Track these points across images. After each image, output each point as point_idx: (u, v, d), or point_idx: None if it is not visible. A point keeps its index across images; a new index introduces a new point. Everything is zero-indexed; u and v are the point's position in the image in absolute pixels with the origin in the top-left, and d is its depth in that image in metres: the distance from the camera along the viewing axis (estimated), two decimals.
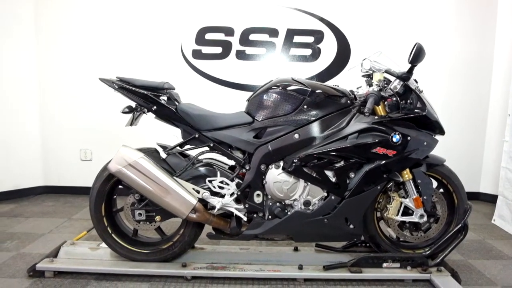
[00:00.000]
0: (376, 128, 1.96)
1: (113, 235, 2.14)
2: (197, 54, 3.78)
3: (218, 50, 3.78)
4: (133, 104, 2.06)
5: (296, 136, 1.99)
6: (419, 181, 2.12)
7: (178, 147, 2.12)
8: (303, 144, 2.00)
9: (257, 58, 3.80)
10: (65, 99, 3.80)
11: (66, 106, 3.81)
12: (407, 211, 2.18)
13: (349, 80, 3.42)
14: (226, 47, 3.77)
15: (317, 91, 2.01)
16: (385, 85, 2.03)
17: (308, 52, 3.80)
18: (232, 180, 2.06)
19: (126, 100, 2.05)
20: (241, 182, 2.07)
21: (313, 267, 2.16)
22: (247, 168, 2.06)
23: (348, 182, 2.02)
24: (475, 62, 3.84)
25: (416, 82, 2.09)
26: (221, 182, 2.05)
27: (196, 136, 2.06)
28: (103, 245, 2.24)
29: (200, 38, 3.77)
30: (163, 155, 2.08)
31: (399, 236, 2.26)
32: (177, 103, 2.09)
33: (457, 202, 2.26)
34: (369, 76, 2.25)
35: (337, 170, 1.99)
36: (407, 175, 2.10)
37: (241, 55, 3.78)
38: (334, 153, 1.95)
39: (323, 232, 2.10)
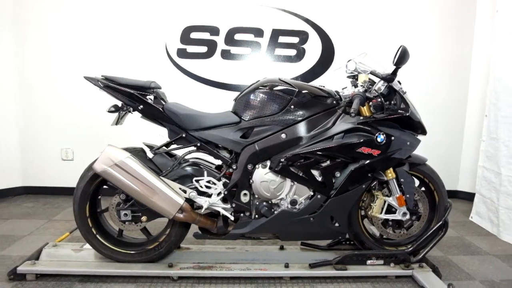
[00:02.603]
0: (361, 128, 2.00)
1: (97, 236, 2.11)
2: (182, 53, 3.75)
3: (203, 49, 3.76)
4: (119, 103, 2.04)
5: (283, 136, 2.01)
6: (402, 180, 2.17)
7: (164, 147, 2.11)
8: (290, 144, 2.02)
9: (242, 58, 3.80)
10: (46, 97, 3.71)
11: (47, 105, 3.72)
12: (390, 209, 2.23)
13: (333, 81, 3.49)
14: (211, 46, 3.76)
15: (304, 92, 2.04)
16: (370, 86, 2.07)
17: (293, 52, 3.83)
18: (219, 180, 2.06)
19: (110, 99, 2.02)
20: (228, 181, 2.08)
21: (299, 265, 2.19)
22: (234, 167, 2.06)
23: (333, 181, 2.05)
24: (454, 65, 3.96)
25: (400, 83, 2.14)
26: (208, 181, 2.05)
27: (183, 135, 2.05)
28: (87, 246, 2.21)
29: (185, 37, 3.75)
30: (149, 154, 2.06)
31: (383, 233, 2.31)
32: (163, 103, 2.08)
33: (438, 200, 2.33)
34: (354, 77, 2.29)
35: (323, 169, 2.02)
36: (390, 174, 2.15)
37: (226, 54, 3.78)
38: (320, 153, 1.98)
39: (309, 230, 2.13)
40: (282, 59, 3.84)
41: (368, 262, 2.21)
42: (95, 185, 2.07)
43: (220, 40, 3.76)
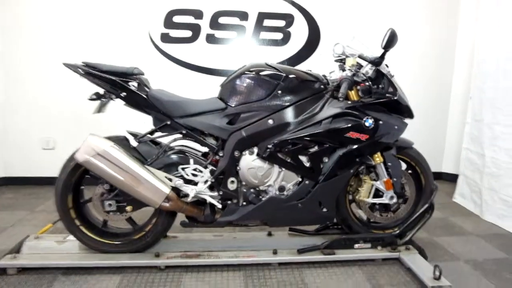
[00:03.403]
0: (349, 112, 1.98)
1: (81, 227, 2.06)
2: (165, 38, 3.65)
3: (187, 33, 3.66)
4: (101, 91, 1.96)
5: (270, 121, 1.98)
6: (389, 163, 2.17)
7: (149, 135, 2.05)
8: (277, 130, 1.98)
9: (227, 42, 3.72)
10: (25, 85, 3.57)
11: (26, 93, 3.58)
12: (377, 193, 2.23)
13: (319, 65, 3.47)
14: (196, 30, 3.66)
15: (291, 76, 1.99)
16: (358, 70, 2.04)
17: (279, 36, 3.76)
18: (205, 168, 2.02)
19: (91, 87, 1.94)
20: (215, 169, 2.04)
21: (287, 251, 2.19)
22: (221, 154, 2.02)
23: (322, 166, 2.04)
24: (439, 48, 3.96)
25: (387, 67, 2.12)
26: (195, 169, 2.01)
27: (168, 123, 2.00)
28: (71, 237, 2.15)
29: (169, 21, 3.64)
30: (133, 143, 2.00)
31: (370, 217, 2.32)
32: (147, 89, 2.01)
33: (424, 183, 2.34)
34: (341, 61, 2.25)
35: (311, 155, 2.00)
36: (378, 158, 2.14)
37: (211, 39, 3.69)
38: (308, 138, 1.96)
39: (297, 216, 2.12)
40: (268, 42, 3.77)
41: (356, 246, 2.23)
42: (78, 175, 2.01)
43: (204, 24, 3.66)
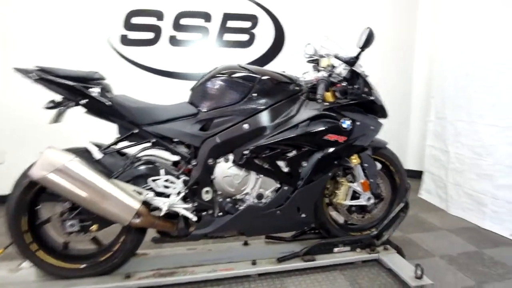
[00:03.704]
0: (326, 114, 1.92)
1: (38, 251, 1.84)
2: (125, 40, 3.43)
3: (148, 35, 3.47)
4: (58, 98, 1.76)
5: (246, 126, 1.87)
6: (365, 165, 2.15)
7: (114, 145, 1.87)
8: (253, 135, 1.88)
9: (190, 44, 3.57)
10: None
11: None
12: (354, 195, 2.20)
13: (286, 66, 3.42)
14: (157, 32, 3.48)
15: (266, 78, 1.91)
16: (333, 70, 2.00)
17: (244, 37, 3.67)
18: (178, 178, 1.88)
19: (47, 93, 1.74)
20: (188, 179, 1.90)
21: (266, 260, 2.09)
22: (194, 163, 1.89)
23: (300, 171, 1.96)
24: (401, 49, 4.05)
25: (361, 66, 2.09)
26: (166, 180, 1.86)
27: (136, 131, 1.84)
28: (26, 264, 1.92)
29: (128, 22, 3.42)
30: (96, 155, 1.81)
31: (348, 219, 2.29)
32: (111, 95, 1.83)
33: (398, 182, 2.35)
34: (314, 61, 2.21)
35: (290, 160, 1.92)
36: (355, 159, 2.11)
37: (173, 41, 3.52)
38: (286, 143, 1.88)
39: (275, 224, 2.04)
40: (233, 44, 3.66)
41: (335, 249, 2.18)
42: (33, 194, 1.79)
43: (166, 25, 3.49)
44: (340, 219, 2.36)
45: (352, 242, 2.20)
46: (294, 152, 1.92)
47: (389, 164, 2.31)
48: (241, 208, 1.96)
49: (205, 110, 1.89)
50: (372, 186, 2.17)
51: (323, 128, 1.90)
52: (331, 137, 1.91)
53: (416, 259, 2.25)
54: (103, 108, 1.78)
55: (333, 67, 2.05)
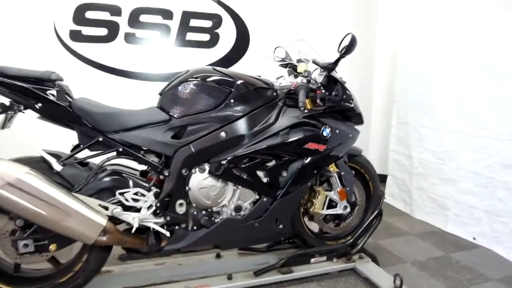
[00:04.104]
0: (307, 122, 1.86)
1: None
2: (76, 36, 3.16)
3: (102, 31, 3.23)
4: (6, 101, 1.54)
5: (223, 134, 1.76)
6: (342, 173, 2.11)
7: (75, 155, 1.67)
8: (231, 144, 1.77)
9: (149, 43, 3.37)
10: None
11: None
12: (330, 204, 2.16)
13: (250, 68, 3.35)
14: (113, 28, 3.24)
15: (244, 83, 1.81)
16: (310, 76, 1.93)
17: (206, 37, 3.54)
18: (148, 190, 1.72)
19: None
20: (160, 191, 1.75)
21: (242, 274, 2.00)
22: (166, 174, 1.74)
23: (280, 181, 1.88)
24: (361, 53, 4.06)
25: (336, 72, 2.05)
26: (136, 193, 1.69)
27: (100, 139, 1.65)
28: None
29: (79, 17, 3.16)
30: (56, 167, 1.60)
31: (323, 229, 2.24)
32: (70, 99, 1.64)
33: (372, 190, 2.34)
34: (287, 66, 2.14)
35: (269, 170, 1.83)
36: (333, 168, 2.07)
37: (130, 38, 3.31)
38: (266, 152, 1.78)
39: (252, 236, 1.95)
40: (195, 44, 3.51)
41: (312, 260, 2.13)
42: None
43: (123, 21, 3.26)
44: (315, 227, 2.31)
45: (328, 252, 2.16)
46: (273, 162, 1.84)
47: (364, 172, 2.29)
48: (217, 221, 1.84)
49: (178, 117, 1.75)
50: (349, 194, 2.14)
51: (304, 136, 1.83)
52: (311, 145, 1.85)
53: (389, 266, 2.26)
54: (61, 113, 1.59)
55: (309, 72, 1.98)
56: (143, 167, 1.82)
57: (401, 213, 3.32)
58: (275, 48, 2.23)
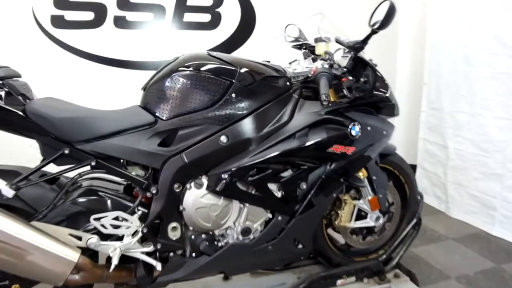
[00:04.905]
0: (330, 119, 1.45)
1: None
2: (58, 22, 2.77)
3: (88, 16, 2.83)
4: None
5: (223, 139, 1.37)
6: (374, 177, 1.72)
7: (37, 172, 1.32)
8: (234, 151, 1.39)
9: (142, 26, 2.96)
10: None
11: None
12: (359, 214, 1.77)
13: (258, 51, 2.94)
14: (100, 12, 2.84)
15: (248, 72, 1.41)
16: (332, 59, 1.51)
17: (206, 17, 3.11)
18: (132, 213, 1.36)
19: None
20: (147, 212, 1.39)
21: None
22: (154, 191, 1.38)
23: (298, 194, 1.49)
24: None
25: (364, 53, 1.63)
26: (116, 218, 1.33)
27: (65, 152, 1.29)
28: None
29: (61, 0, 2.78)
30: (5, 192, 1.23)
31: (351, 243, 1.86)
32: (24, 101, 1.28)
33: (409, 194, 1.94)
34: (301, 47, 1.74)
35: (284, 182, 1.44)
36: (362, 173, 1.67)
37: (120, 22, 2.90)
38: (280, 160, 1.40)
39: (265, 259, 1.59)
40: (193, 26, 3.08)
41: (339, 282, 1.76)
42: None
43: (111, 3, 2.85)
44: (340, 237, 1.93)
45: (358, 271, 1.79)
46: (289, 172, 1.45)
47: (398, 174, 1.89)
48: (221, 245, 1.48)
49: (166, 118, 1.37)
50: (382, 202, 1.74)
51: (328, 138, 1.42)
52: (337, 148, 1.45)
53: (430, 285, 1.91)
54: (12, 120, 1.23)
55: (331, 54, 1.57)
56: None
57: (435, 211, 2.91)
58: (287, 26, 1.83)
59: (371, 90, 1.52)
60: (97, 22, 2.85)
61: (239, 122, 1.39)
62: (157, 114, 1.39)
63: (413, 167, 3.20)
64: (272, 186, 1.45)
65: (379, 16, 1.36)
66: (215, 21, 3.15)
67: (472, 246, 2.33)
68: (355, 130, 1.46)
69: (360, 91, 1.53)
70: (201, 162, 1.37)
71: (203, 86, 1.37)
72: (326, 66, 1.44)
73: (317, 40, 1.58)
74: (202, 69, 1.40)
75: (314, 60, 1.60)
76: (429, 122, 3.03)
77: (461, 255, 2.24)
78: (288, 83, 1.51)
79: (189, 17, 3.07)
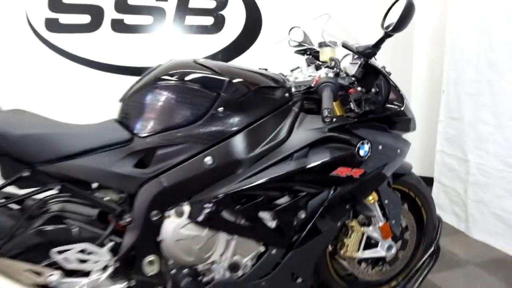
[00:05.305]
0: (334, 137, 1.25)
1: None
2: (53, 25, 2.63)
3: (84, 19, 2.69)
4: None
5: (208, 160, 1.18)
6: (386, 201, 1.50)
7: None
8: (221, 174, 1.19)
9: (142, 30, 2.81)
10: None
11: None
12: (369, 242, 1.56)
13: (263, 58, 2.78)
14: (96, 15, 2.70)
15: (239, 82, 1.22)
16: (339, 67, 1.31)
17: (209, 20, 2.94)
18: (102, 245, 1.17)
19: None
20: (119, 242, 1.20)
21: None
22: (128, 219, 1.19)
23: (295, 224, 1.28)
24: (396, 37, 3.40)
25: (376, 60, 1.42)
26: (82, 250, 1.15)
27: (25, 174, 1.12)
28: None
29: (56, 2, 2.63)
30: None
31: (358, 275, 1.65)
32: None
33: (426, 218, 1.73)
34: (305, 52, 1.54)
35: (279, 211, 1.24)
36: (372, 197, 1.46)
37: (118, 26, 2.75)
38: (274, 186, 1.20)
39: None
40: (195, 30, 2.92)
41: None
42: None
43: (108, 6, 2.71)
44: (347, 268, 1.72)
45: None
46: (285, 198, 1.24)
47: (414, 196, 1.67)
48: (206, 282, 1.28)
49: (144, 135, 1.19)
50: (395, 229, 1.53)
51: (332, 159, 1.21)
52: (342, 171, 1.24)
53: None
54: None
55: (337, 61, 1.36)
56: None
57: (454, 231, 2.66)
58: (291, 29, 1.63)
59: (384, 103, 1.31)
60: (94, 25, 2.71)
61: (227, 141, 1.19)
62: (134, 131, 1.20)
63: (430, 180, 2.99)
64: (265, 215, 1.24)
65: (394, 16, 1.15)
66: (218, 24, 2.98)
67: (497, 273, 2.09)
68: (364, 149, 1.25)
69: (371, 103, 1.32)
70: (182, 186, 1.18)
71: (185, 99, 1.18)
72: (331, 74, 1.23)
73: (322, 44, 1.38)
74: (186, 78, 1.21)
75: (317, 67, 1.40)
76: (447, 133, 2.79)
77: (485, 283, 2.00)
78: (287, 94, 1.31)
79: (190, 20, 2.91)
